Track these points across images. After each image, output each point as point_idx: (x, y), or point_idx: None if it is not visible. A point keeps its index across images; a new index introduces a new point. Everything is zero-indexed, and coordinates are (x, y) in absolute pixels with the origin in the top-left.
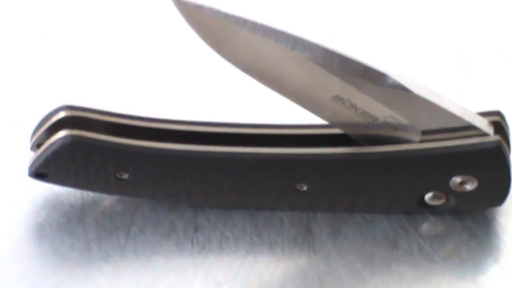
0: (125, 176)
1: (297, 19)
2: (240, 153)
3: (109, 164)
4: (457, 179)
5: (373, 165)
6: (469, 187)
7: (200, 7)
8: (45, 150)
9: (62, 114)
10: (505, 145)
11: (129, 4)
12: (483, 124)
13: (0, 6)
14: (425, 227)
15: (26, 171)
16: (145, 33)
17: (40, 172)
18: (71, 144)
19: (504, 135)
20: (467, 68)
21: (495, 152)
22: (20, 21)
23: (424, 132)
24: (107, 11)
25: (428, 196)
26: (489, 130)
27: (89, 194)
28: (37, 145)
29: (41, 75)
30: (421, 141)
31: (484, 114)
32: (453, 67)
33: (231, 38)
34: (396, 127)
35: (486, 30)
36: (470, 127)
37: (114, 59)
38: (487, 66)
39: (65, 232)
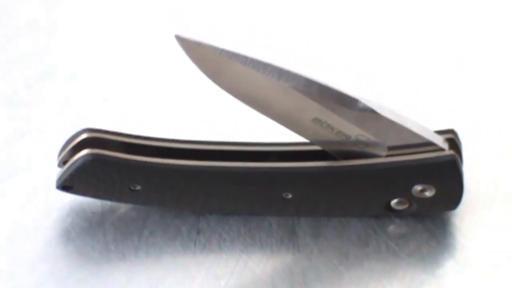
0: (138, 187)
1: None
2: (235, 167)
3: (124, 177)
4: (418, 187)
5: (347, 176)
6: (428, 194)
7: (199, 44)
8: (70, 167)
9: (84, 136)
10: (458, 158)
11: (140, 40)
12: (440, 141)
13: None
14: (391, 228)
15: (54, 184)
16: (152, 68)
17: (66, 185)
18: (92, 161)
19: (458, 150)
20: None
21: (450, 165)
22: (45, 60)
23: (389, 148)
24: (120, 48)
25: (393, 202)
26: (445, 146)
27: (107, 203)
28: (63, 162)
29: (65, 103)
30: (387, 156)
31: (440, 132)
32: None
33: (225, 70)
34: (366, 144)
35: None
36: (429, 144)
37: (126, 91)
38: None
39: (87, 236)
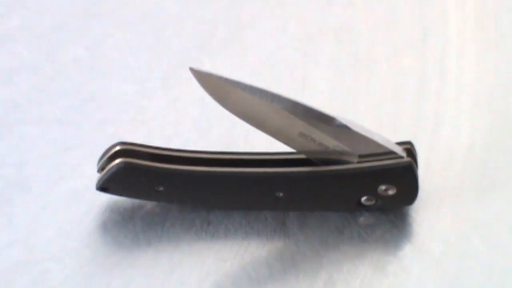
0: (161, 188)
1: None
2: (238, 172)
3: (149, 181)
4: (382, 187)
5: (326, 179)
6: (390, 192)
7: (209, 75)
8: (106, 172)
9: (117, 148)
10: (414, 164)
11: (159, 71)
12: (399, 150)
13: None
14: (362, 219)
15: (94, 186)
16: (171, 95)
17: (103, 187)
18: (124, 168)
19: (414, 157)
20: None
21: (408, 169)
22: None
23: (360, 156)
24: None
25: (363, 199)
26: (403, 154)
27: (136, 201)
28: (101, 169)
29: (102, 123)
30: (358, 162)
31: (400, 144)
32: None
33: (229, 96)
34: (341, 153)
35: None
36: (391, 152)
37: (150, 113)
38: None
39: (120, 227)
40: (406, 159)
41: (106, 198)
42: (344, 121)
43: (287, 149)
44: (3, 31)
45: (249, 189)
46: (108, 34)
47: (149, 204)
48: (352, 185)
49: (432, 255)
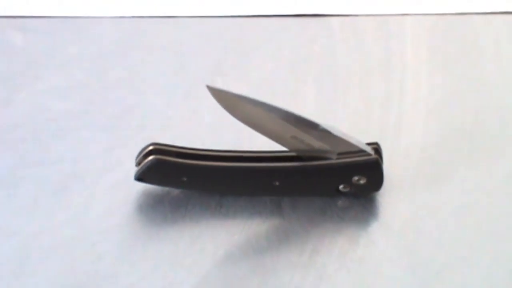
0: (184, 179)
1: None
2: (244, 166)
3: (175, 173)
4: (355, 178)
5: (312, 171)
6: (362, 182)
7: (221, 91)
8: (142, 166)
9: (151, 147)
10: (380, 160)
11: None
12: (369, 149)
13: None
14: (340, 203)
15: (133, 177)
16: (193, 108)
17: (140, 177)
18: (156, 163)
19: (380, 155)
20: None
21: (375, 164)
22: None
23: (338, 153)
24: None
25: (341, 187)
26: (372, 152)
27: (165, 189)
28: (138, 164)
29: (139, 128)
30: (337, 158)
31: (369, 144)
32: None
33: (237, 107)
34: (324, 151)
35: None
36: (362, 151)
37: (175, 121)
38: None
39: (153, 209)
40: (374, 156)
41: (142, 186)
42: (326, 127)
43: (282, 148)
44: (64, 58)
45: (252, 179)
46: (142, 59)
47: (175, 191)
48: (332, 176)
49: (394, 230)
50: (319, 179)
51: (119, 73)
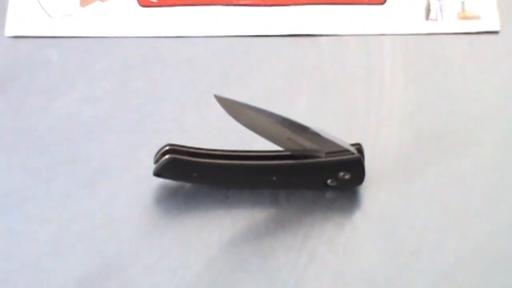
0: (195, 175)
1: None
2: (246, 164)
3: (188, 170)
4: (341, 173)
5: (304, 168)
6: (346, 177)
7: (227, 99)
8: (160, 164)
9: (167, 148)
10: (362, 158)
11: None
12: (352, 149)
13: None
14: (328, 195)
15: (151, 173)
16: (202, 116)
17: (157, 173)
18: (171, 161)
19: (362, 154)
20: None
21: (358, 162)
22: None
23: (326, 153)
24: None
25: (328, 181)
26: (355, 152)
27: (179, 183)
28: (156, 161)
29: (157, 132)
30: (325, 157)
31: (353, 145)
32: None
33: (241, 113)
34: (314, 151)
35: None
36: (347, 150)
37: (187, 126)
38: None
39: (168, 200)
40: (357, 155)
41: (159, 181)
42: (316, 129)
43: (278, 148)
44: (93, 72)
45: (253, 175)
46: (160, 73)
47: (187, 185)
48: (321, 172)
49: (375, 218)
50: (310, 174)
51: (139, 84)
